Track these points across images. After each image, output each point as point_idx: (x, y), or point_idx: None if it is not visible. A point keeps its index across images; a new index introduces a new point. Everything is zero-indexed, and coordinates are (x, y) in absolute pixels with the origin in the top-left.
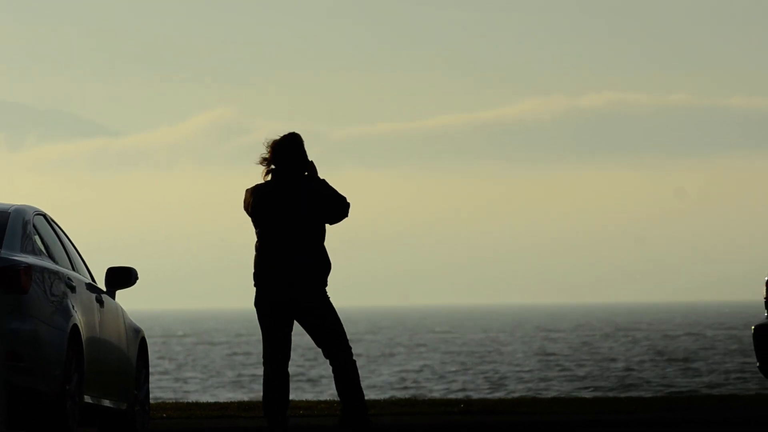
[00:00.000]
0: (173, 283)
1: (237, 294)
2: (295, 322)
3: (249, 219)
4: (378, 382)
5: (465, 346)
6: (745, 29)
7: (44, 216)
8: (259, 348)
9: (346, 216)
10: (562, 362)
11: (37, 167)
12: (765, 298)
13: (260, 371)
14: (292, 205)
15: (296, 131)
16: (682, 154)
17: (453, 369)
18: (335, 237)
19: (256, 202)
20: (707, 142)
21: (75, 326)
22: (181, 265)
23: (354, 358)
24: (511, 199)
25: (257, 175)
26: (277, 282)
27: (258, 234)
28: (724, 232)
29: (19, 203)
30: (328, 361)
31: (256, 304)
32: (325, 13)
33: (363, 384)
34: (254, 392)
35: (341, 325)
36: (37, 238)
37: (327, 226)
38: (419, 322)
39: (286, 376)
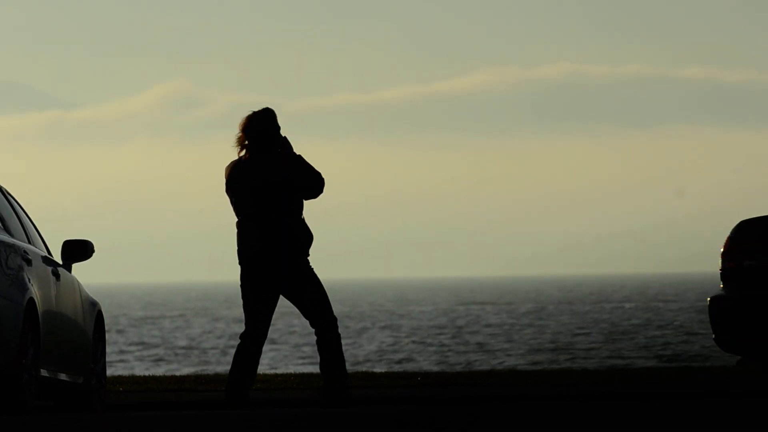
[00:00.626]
0: (130, 255)
1: (193, 266)
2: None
3: (220, 195)
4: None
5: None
6: (701, 1)
7: None
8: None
9: (321, 192)
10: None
11: None
12: (720, 271)
13: (207, 347)
14: (269, 180)
15: (253, 103)
16: (635, 124)
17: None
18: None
19: (233, 178)
20: (660, 112)
21: (31, 299)
22: (137, 237)
23: (339, 331)
24: (467, 170)
25: (213, 149)
26: (262, 257)
27: (237, 211)
28: (679, 204)
29: None
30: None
31: (242, 280)
32: None
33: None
34: (208, 366)
35: (326, 296)
36: None
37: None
38: (366, 295)
39: (258, 354)
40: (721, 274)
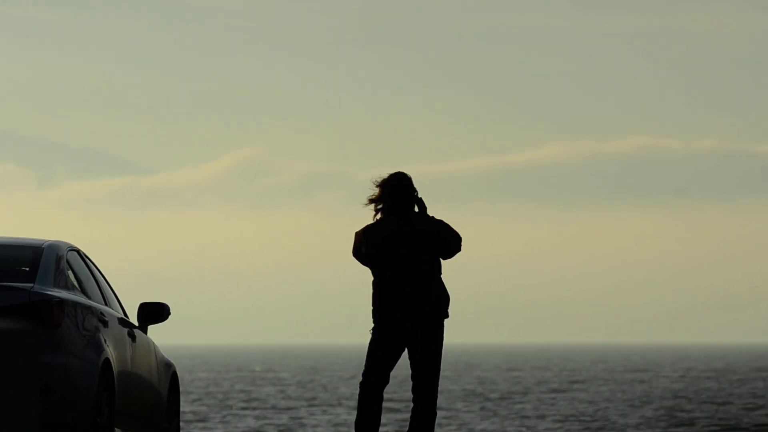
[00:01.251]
0: (204, 318)
1: (264, 329)
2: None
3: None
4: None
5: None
6: None
7: (78, 251)
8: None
9: (459, 250)
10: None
11: (67, 204)
12: None
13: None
14: (408, 241)
15: (325, 172)
16: (710, 199)
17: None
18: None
19: (371, 241)
20: (735, 187)
21: (107, 360)
22: (211, 301)
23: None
24: (537, 240)
25: (284, 215)
26: (399, 317)
27: (375, 273)
28: (753, 277)
29: (53, 239)
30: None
31: (373, 338)
32: (357, 54)
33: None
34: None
35: (439, 368)
36: (70, 273)
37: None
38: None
39: (380, 400)
40: None
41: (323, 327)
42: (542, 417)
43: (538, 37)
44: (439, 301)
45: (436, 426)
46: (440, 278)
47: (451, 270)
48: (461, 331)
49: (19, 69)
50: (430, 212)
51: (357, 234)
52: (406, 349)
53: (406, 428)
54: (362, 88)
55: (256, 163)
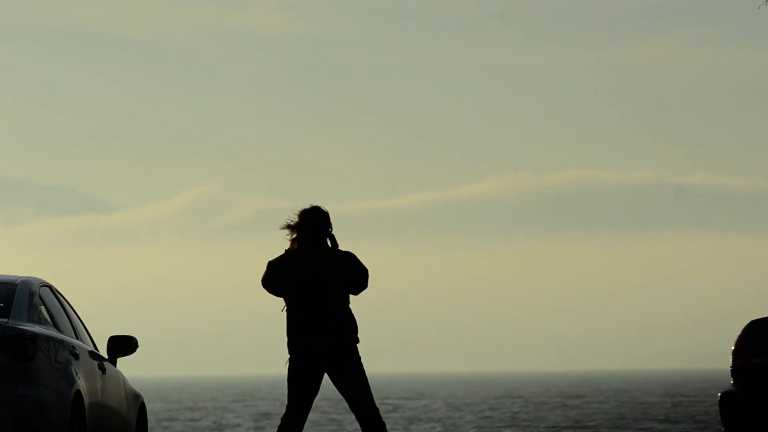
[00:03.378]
0: (167, 349)
1: (227, 360)
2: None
3: (260, 290)
4: None
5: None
6: (711, 109)
7: (50, 287)
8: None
9: (366, 287)
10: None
11: (33, 242)
12: (731, 368)
13: None
14: (322, 281)
15: (278, 208)
16: (647, 227)
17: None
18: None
19: (285, 275)
20: (669, 217)
21: (78, 392)
22: (176, 333)
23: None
24: (476, 271)
25: (240, 250)
26: (313, 344)
27: (287, 301)
28: (685, 305)
29: (25, 275)
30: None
31: (290, 368)
32: (304, 94)
33: None
34: None
35: (369, 387)
36: (43, 308)
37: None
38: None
39: None
40: (731, 371)
41: (276, 357)
42: None
43: (478, 73)
44: (349, 329)
45: None
46: (349, 308)
47: (393, 302)
48: (405, 361)
49: None
50: (377, 247)
51: (270, 264)
52: (331, 381)
53: None
54: (311, 126)
55: (211, 200)
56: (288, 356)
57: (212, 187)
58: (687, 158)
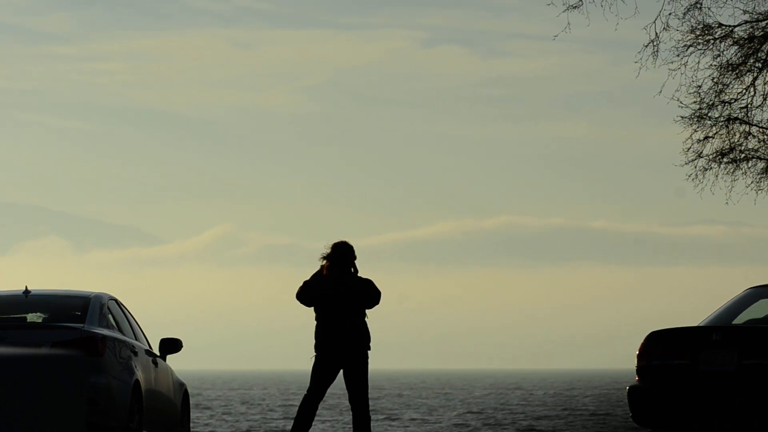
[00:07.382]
0: (207, 348)
1: (251, 355)
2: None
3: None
4: None
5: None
6: (610, 171)
7: (115, 300)
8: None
9: (378, 303)
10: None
11: (98, 266)
12: (636, 367)
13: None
14: (344, 292)
15: (281, 245)
16: (560, 261)
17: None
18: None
19: (315, 288)
20: (577, 254)
21: (137, 381)
22: (210, 335)
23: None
24: (434, 293)
25: (251, 277)
26: (334, 349)
27: (317, 312)
28: (591, 321)
29: (97, 291)
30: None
31: (315, 362)
32: (307, 151)
33: None
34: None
35: (367, 384)
36: (110, 316)
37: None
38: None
39: (315, 409)
40: (636, 369)
41: (277, 355)
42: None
43: (437, 142)
44: (364, 339)
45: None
46: (365, 321)
47: (377, 313)
48: (385, 359)
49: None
50: (363, 273)
51: (305, 282)
52: (343, 376)
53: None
54: (307, 179)
55: (229, 236)
56: (314, 353)
57: (230, 226)
58: (592, 207)
